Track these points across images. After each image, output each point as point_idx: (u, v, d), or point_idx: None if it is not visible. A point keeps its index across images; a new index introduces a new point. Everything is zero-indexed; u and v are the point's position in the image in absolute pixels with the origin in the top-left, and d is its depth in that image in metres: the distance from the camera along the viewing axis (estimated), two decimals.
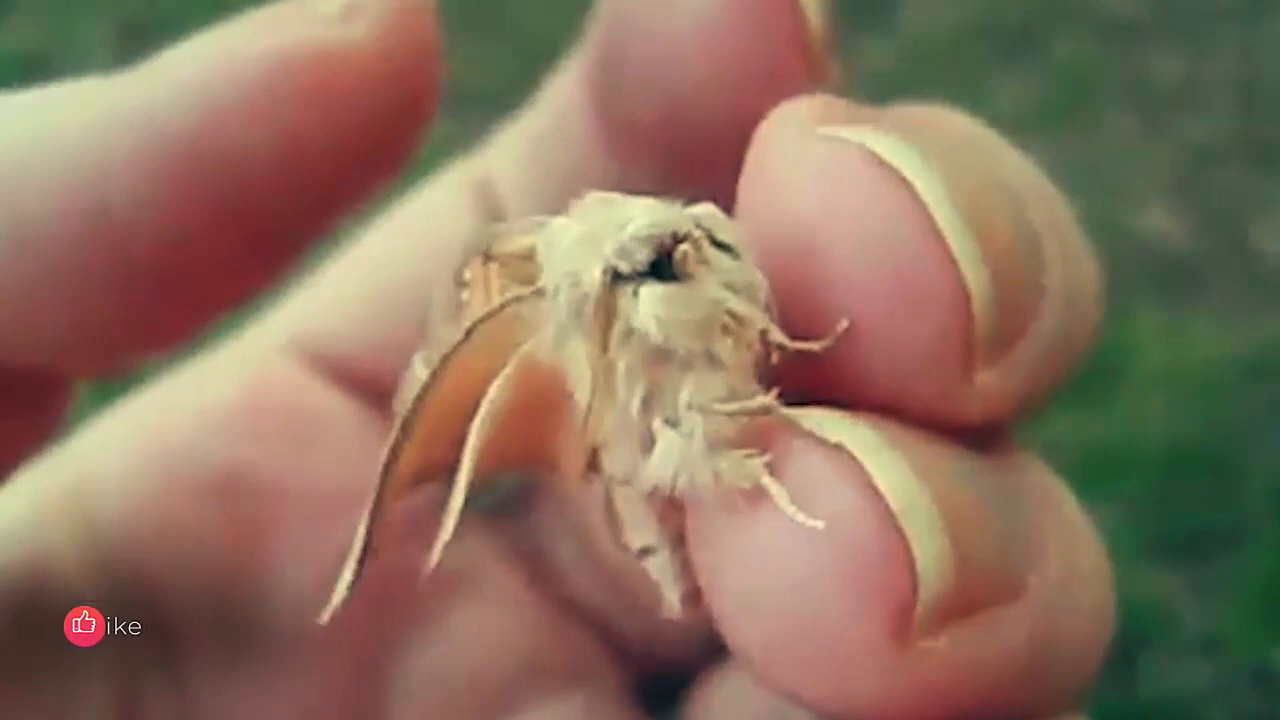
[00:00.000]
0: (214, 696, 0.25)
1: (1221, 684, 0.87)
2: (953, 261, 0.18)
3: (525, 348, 0.18)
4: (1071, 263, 0.20)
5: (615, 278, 0.17)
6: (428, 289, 0.25)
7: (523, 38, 1.19)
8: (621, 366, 0.18)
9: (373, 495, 0.19)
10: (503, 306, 0.19)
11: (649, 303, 0.17)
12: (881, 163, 0.18)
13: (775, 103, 0.20)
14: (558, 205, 0.18)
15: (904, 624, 0.17)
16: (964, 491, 0.18)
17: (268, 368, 0.27)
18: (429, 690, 0.26)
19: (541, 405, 0.19)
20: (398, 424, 0.19)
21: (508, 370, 0.18)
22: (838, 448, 0.18)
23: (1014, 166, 0.21)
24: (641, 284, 0.17)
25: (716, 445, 0.18)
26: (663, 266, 0.17)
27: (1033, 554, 0.19)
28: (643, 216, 0.18)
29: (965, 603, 0.18)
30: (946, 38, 1.29)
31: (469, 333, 0.19)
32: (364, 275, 0.28)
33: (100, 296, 0.21)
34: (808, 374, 0.18)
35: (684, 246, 0.17)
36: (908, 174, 0.18)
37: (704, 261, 0.18)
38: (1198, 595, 0.92)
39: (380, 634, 0.26)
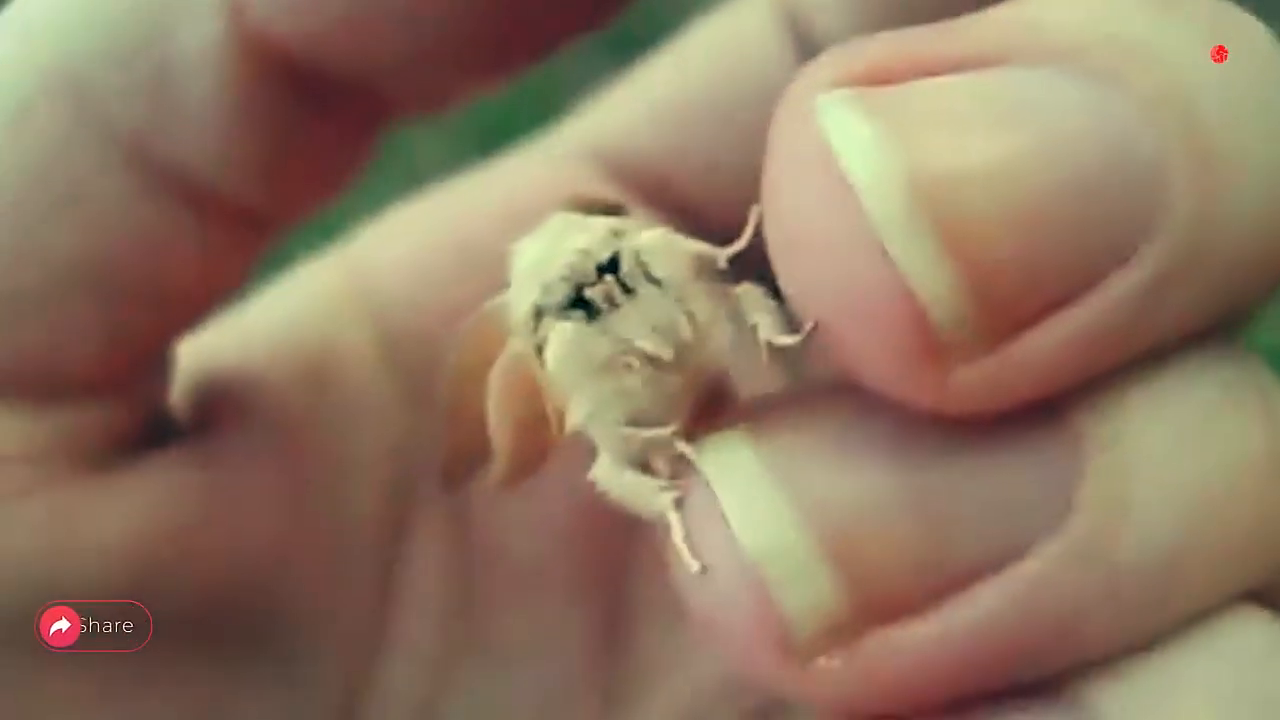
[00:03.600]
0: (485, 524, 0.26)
1: None
2: (888, 260, 0.16)
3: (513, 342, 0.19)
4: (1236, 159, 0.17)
5: (541, 312, 0.18)
6: (725, 106, 0.26)
7: None
8: (557, 383, 0.19)
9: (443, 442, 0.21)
10: (486, 308, 0.20)
11: (554, 342, 0.18)
12: (830, 153, 0.17)
13: None
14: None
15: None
16: (875, 514, 0.17)
17: (565, 173, 0.27)
18: (673, 616, 0.25)
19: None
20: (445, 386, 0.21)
21: (498, 363, 0.19)
22: (708, 486, 0.18)
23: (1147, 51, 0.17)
24: (559, 319, 0.18)
25: (635, 467, 0.19)
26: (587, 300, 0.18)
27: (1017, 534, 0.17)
28: (568, 255, 0.18)
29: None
30: None
31: (479, 320, 0.20)
32: (663, 87, 0.28)
33: (451, 23, 0.21)
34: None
35: (596, 288, 0.18)
36: (850, 163, 0.16)
37: (631, 294, 0.18)
38: None
39: (621, 555, 0.26)
